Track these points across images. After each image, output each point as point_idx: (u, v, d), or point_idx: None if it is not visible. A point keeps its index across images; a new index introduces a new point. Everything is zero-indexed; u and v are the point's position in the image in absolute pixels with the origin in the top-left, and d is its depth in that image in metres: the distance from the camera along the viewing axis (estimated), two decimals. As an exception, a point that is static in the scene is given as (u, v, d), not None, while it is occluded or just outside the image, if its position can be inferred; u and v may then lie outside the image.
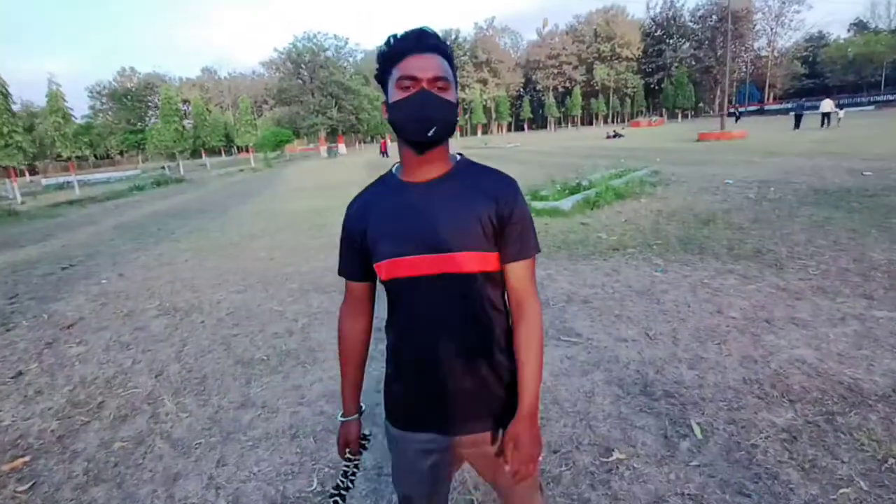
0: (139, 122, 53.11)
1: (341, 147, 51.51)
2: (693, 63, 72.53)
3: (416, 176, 1.12)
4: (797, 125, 26.38)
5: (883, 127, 22.40)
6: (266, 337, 4.01)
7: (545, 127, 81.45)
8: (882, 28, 64.59)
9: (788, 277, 4.42)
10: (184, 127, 37.47)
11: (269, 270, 6.09)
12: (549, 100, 76.72)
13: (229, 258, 6.92)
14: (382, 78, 1.10)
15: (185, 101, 70.86)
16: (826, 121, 25.59)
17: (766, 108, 57.24)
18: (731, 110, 47.83)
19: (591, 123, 79.47)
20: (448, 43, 1.11)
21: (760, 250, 5.26)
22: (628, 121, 69.29)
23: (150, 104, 59.47)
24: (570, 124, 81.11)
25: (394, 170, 1.19)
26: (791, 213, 6.84)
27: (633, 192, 9.42)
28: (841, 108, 27.42)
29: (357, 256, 1.18)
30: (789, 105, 48.39)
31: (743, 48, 71.53)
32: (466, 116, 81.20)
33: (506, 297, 1.16)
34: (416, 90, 1.03)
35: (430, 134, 1.04)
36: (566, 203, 8.26)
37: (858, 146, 14.61)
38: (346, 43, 53.88)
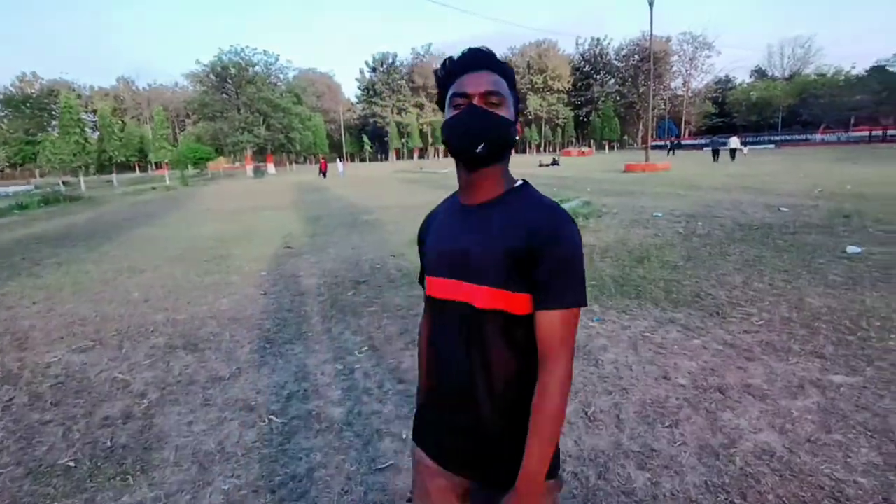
0: (39, 133, 48.02)
1: (270, 167, 49.27)
2: (618, 98, 76.84)
3: (468, 197, 1.08)
4: (716, 158, 28.94)
5: (784, 164, 24.10)
6: (90, 426, 2.97)
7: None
8: (778, 76, 71.69)
9: (733, 330, 3.97)
10: (86, 139, 33.99)
11: (135, 318, 4.97)
12: None
13: (91, 301, 5.68)
14: (441, 101, 1.07)
15: (93, 112, 65.67)
16: (733, 155, 28.41)
17: (683, 142, 61.24)
18: (668, 143, 50.79)
19: (524, 151, 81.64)
20: (505, 62, 1.05)
21: (699, 294, 4.84)
22: (559, 150, 71.86)
23: (53, 113, 54.24)
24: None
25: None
26: (722, 250, 6.62)
27: (565, 225, 9.03)
28: (745, 146, 30.68)
29: (422, 267, 1.18)
30: (703, 140, 51.84)
31: (662, 87, 76.66)
32: (403, 140, 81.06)
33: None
34: (466, 106, 1.00)
35: (478, 150, 0.99)
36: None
37: (768, 182, 15.34)
38: (277, 59, 51.94)
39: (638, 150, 51.81)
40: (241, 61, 47.96)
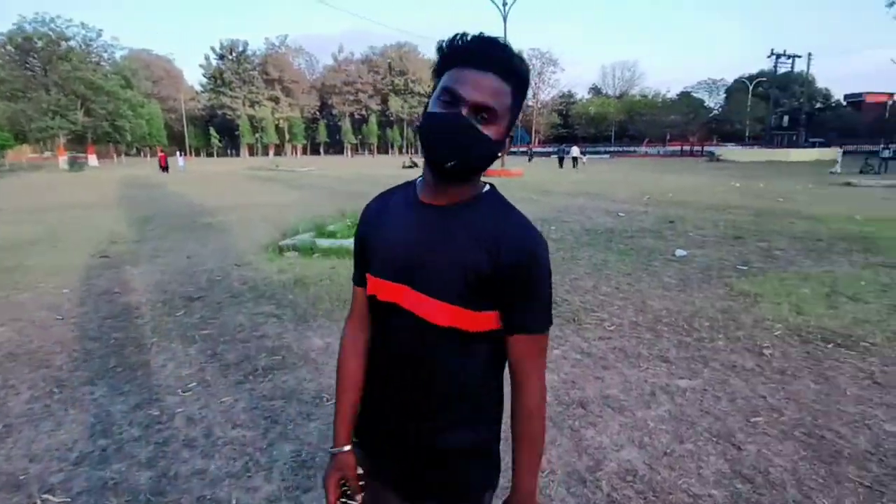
0: None
1: (92, 159, 42.33)
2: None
3: (430, 196, 0.96)
4: (561, 165, 33.25)
5: (617, 173, 27.21)
6: None
7: (342, 152, 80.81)
8: (611, 94, 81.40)
9: (589, 337, 4.04)
10: None
11: None
12: (346, 126, 76.53)
13: None
14: (437, 76, 0.92)
15: None
16: (574, 163, 32.07)
17: (534, 150, 66.39)
18: (528, 150, 54.42)
19: (387, 152, 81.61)
20: (521, 63, 0.89)
21: (556, 301, 4.92)
22: (421, 151, 73.10)
23: None
24: (367, 151, 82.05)
25: (418, 180, 1.02)
26: (573, 254, 6.95)
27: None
28: (584, 155, 34.46)
29: (360, 260, 1.07)
30: (551, 148, 56.57)
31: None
32: (257, 135, 75.71)
33: (494, 367, 1.00)
34: (453, 110, 0.85)
35: (447, 166, 0.88)
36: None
37: (606, 189, 17.03)
38: (100, 35, 44.76)
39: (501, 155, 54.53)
40: (49, 33, 40.41)
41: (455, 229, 0.92)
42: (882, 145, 28.15)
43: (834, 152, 38.04)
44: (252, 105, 76.56)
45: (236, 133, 76.17)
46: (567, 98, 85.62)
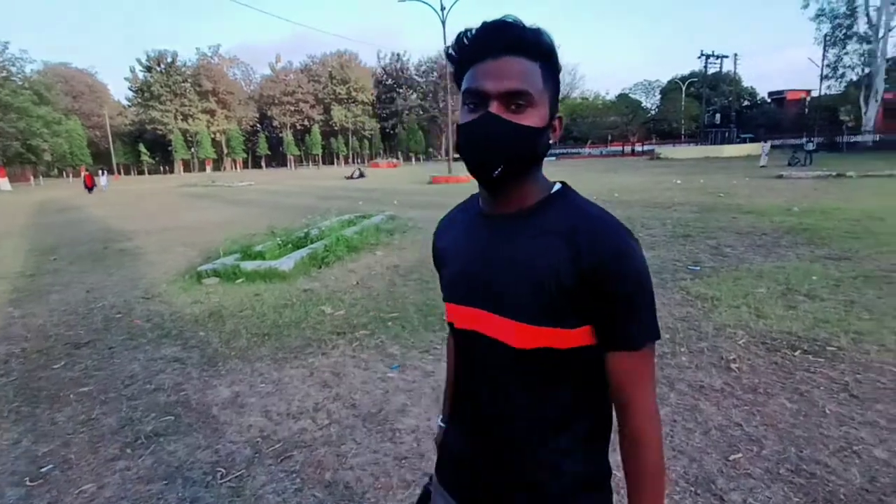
0: None
1: (3, 182, 38.80)
2: (421, 112, 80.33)
3: (491, 206, 0.86)
4: None
5: (565, 174, 27.30)
6: None
7: (285, 165, 78.23)
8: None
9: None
10: None
11: None
12: (288, 137, 74.03)
13: None
14: (458, 85, 0.82)
15: None
16: None
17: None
18: None
19: (332, 163, 79.68)
20: (541, 33, 0.78)
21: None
22: (368, 162, 72.02)
23: None
24: (310, 163, 79.66)
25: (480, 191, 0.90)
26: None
27: (369, 244, 8.30)
28: None
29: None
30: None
31: (460, 103, 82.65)
32: (192, 150, 72.26)
33: (597, 389, 0.83)
34: (480, 112, 0.76)
35: (495, 174, 0.77)
36: (287, 262, 6.54)
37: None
38: (6, 48, 41.23)
39: (443, 162, 54.52)
40: (-55, 43, 36.94)
41: (523, 238, 0.81)
42: (806, 139, 29.72)
43: (761, 146, 40.25)
44: (185, 118, 72.63)
45: (169, 148, 72.15)
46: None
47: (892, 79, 38.19)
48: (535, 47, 0.76)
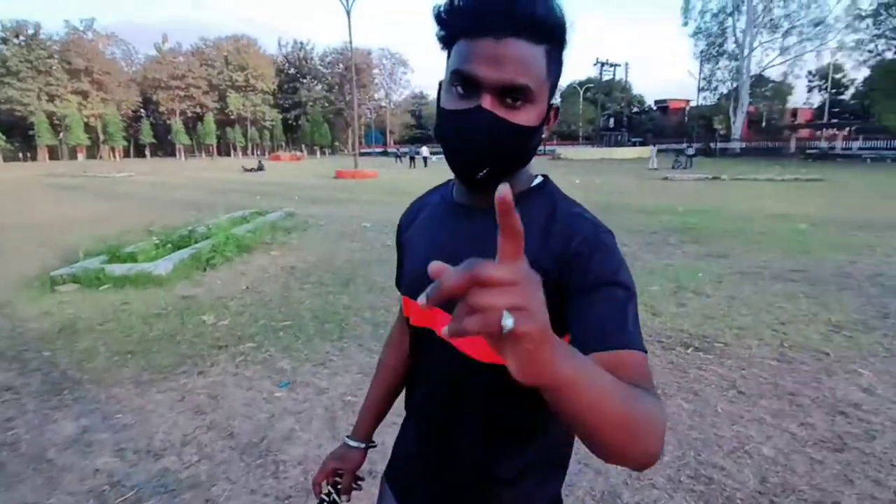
0: None
1: None
2: (327, 104, 77.70)
3: (467, 197, 0.79)
4: (412, 164, 33.99)
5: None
6: None
7: (174, 155, 71.73)
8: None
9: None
10: None
11: None
12: (177, 125, 67.78)
13: None
14: (446, 50, 0.70)
15: None
16: (425, 163, 34.54)
17: (389, 150, 66.15)
18: (397, 150, 52.73)
19: (229, 154, 74.32)
20: (552, 13, 0.64)
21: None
22: (268, 154, 68.25)
23: None
24: (204, 153, 73.73)
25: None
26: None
27: (263, 242, 7.66)
28: (434, 155, 36.53)
29: (398, 270, 0.94)
30: (405, 149, 56.28)
31: (367, 97, 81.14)
32: (60, 136, 63.85)
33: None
34: (471, 105, 0.65)
35: (479, 176, 0.70)
36: (164, 264, 5.78)
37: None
38: None
39: (350, 156, 52.95)
40: None
41: (494, 232, 0.56)
42: (687, 144, 32.74)
43: (650, 150, 43.71)
44: (51, 99, 63.67)
45: (31, 133, 63.05)
46: (420, 99, 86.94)
47: (755, 93, 43.36)
48: (545, 27, 0.64)
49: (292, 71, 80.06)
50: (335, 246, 7.53)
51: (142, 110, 73.77)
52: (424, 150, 35.94)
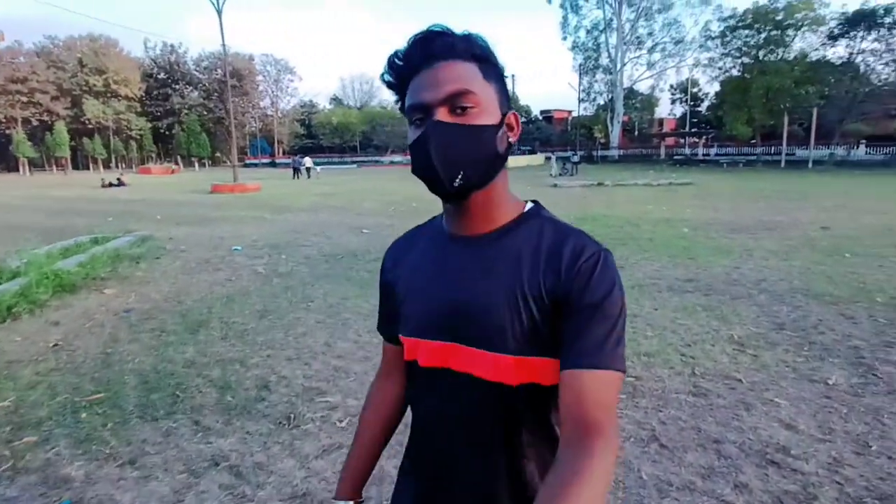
0: None
1: None
2: (205, 112, 71.68)
3: (459, 227, 0.80)
4: (296, 176, 32.97)
5: (365, 182, 26.88)
6: None
7: (17, 170, 61.55)
8: (352, 105, 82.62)
9: (307, 452, 2.58)
10: None
11: None
12: (19, 135, 58.04)
13: None
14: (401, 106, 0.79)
15: None
16: (308, 174, 33.48)
17: (277, 161, 62.73)
18: (292, 161, 49.22)
19: (88, 167, 65.39)
20: (471, 41, 0.74)
21: (268, 384, 3.34)
22: (136, 166, 61.27)
23: None
24: (55, 167, 64.30)
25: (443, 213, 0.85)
26: (305, 294, 5.45)
27: (96, 278, 6.23)
28: (318, 166, 35.95)
29: (388, 313, 0.91)
30: (288, 160, 53.49)
31: (251, 105, 76.34)
32: None
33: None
34: (416, 134, 0.73)
35: (455, 185, 0.72)
36: (-66, 320, 4.29)
37: (352, 200, 16.14)
38: None
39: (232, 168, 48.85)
40: None
41: (496, 261, 0.75)
42: (572, 152, 34.56)
43: (540, 158, 45.60)
44: None
45: None
46: (309, 108, 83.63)
47: (628, 105, 47.21)
48: (468, 51, 0.72)
49: (162, 76, 72.64)
50: (191, 278, 6.33)
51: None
52: (307, 161, 35.26)
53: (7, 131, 61.28)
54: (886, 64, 33.34)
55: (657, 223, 9.57)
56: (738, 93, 35.86)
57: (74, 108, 63.66)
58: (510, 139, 0.76)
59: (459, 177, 0.71)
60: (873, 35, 32.81)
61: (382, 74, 0.77)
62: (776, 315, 4.27)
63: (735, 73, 37.98)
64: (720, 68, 39.30)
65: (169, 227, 10.93)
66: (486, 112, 0.72)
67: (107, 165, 64.15)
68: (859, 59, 34.30)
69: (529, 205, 0.81)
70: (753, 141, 38.95)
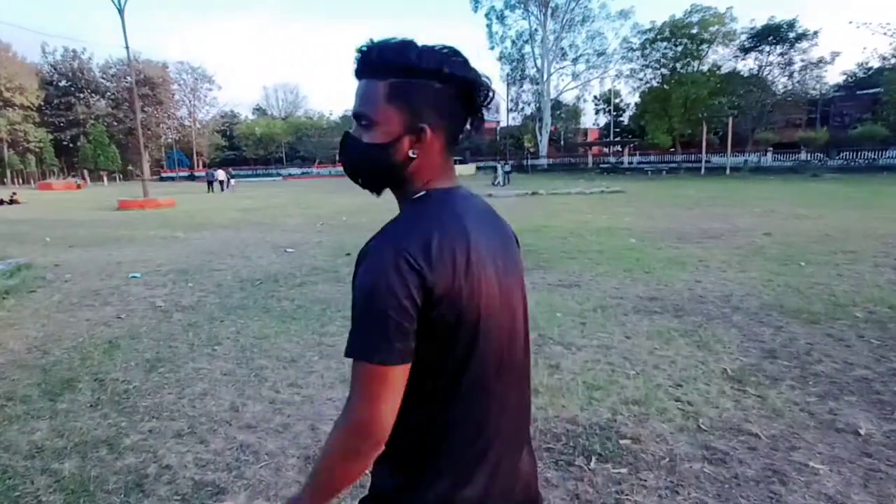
0: None
1: None
2: (114, 122, 66.01)
3: None
4: (210, 189, 31.50)
5: (290, 195, 25.36)
6: None
7: None
8: (276, 115, 79.37)
9: None
10: None
11: None
12: None
13: None
14: None
15: None
16: (222, 187, 31.82)
17: (196, 174, 58.91)
18: (207, 173, 46.11)
19: (-22, 184, 58.00)
20: (383, 54, 0.81)
21: (139, 478, 2.40)
22: (36, 182, 55.27)
23: None
24: (-62, 183, 56.55)
25: None
26: (212, 334, 4.45)
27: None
28: (233, 178, 34.48)
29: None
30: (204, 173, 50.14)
31: (166, 115, 71.44)
32: None
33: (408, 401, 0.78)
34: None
35: (359, 183, 0.90)
36: None
37: (276, 215, 14.91)
38: None
39: (150, 182, 44.88)
40: None
41: None
42: (502, 161, 34.63)
43: (472, 168, 45.58)
44: None
45: None
46: (230, 118, 79.40)
47: (553, 114, 48.28)
48: (382, 67, 0.80)
49: (64, 83, 66.20)
50: (69, 317, 5.11)
51: None
52: (220, 174, 33.30)
53: None
54: (790, 76, 36.28)
55: (600, 233, 9.26)
56: (658, 102, 37.67)
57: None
58: (411, 153, 0.81)
59: (359, 180, 0.89)
60: (779, 49, 35.61)
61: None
62: (760, 339, 3.83)
63: (655, 83, 39.92)
64: (641, 79, 41.21)
65: (58, 252, 9.34)
66: (379, 132, 0.81)
67: (1, 181, 57.28)
68: (766, 71, 37.14)
69: (421, 193, 0.85)
70: (672, 149, 41.05)
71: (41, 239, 11.43)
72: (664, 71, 38.43)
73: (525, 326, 0.89)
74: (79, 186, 47.07)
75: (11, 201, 24.95)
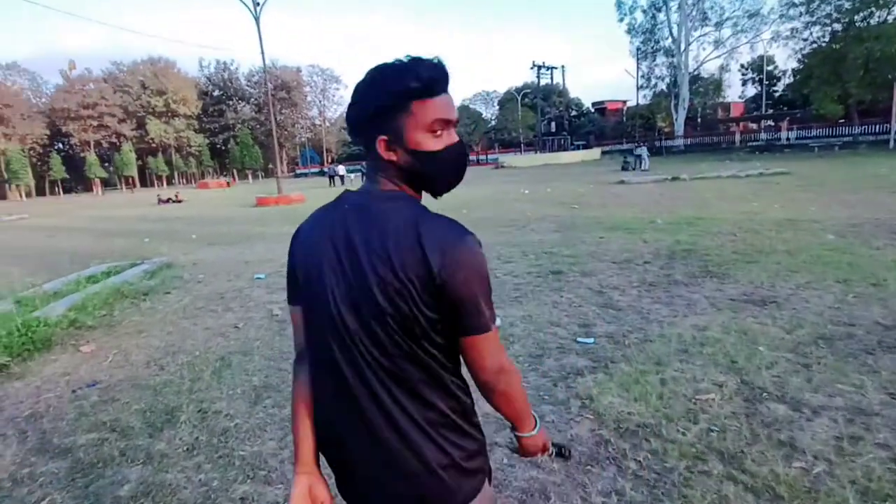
0: None
1: None
2: (257, 125, 73.21)
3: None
4: (332, 183, 33.02)
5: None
6: None
7: (90, 190, 65.08)
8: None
9: None
10: None
11: None
12: (91, 157, 61.39)
13: None
14: (385, 108, 0.88)
15: None
16: (342, 181, 33.22)
17: (324, 169, 62.94)
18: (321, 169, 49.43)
19: (152, 184, 68.15)
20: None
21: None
22: (196, 182, 63.17)
23: None
24: (124, 186, 67.23)
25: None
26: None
27: (82, 326, 5.03)
28: (352, 173, 35.85)
29: None
30: (325, 169, 52.76)
31: (300, 115, 77.46)
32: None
33: None
34: (453, 141, 0.92)
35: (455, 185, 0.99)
36: None
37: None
38: None
39: (285, 179, 48.89)
40: None
41: None
42: (637, 143, 31.61)
43: (596, 153, 42.62)
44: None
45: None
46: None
47: (691, 89, 43.03)
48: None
49: (217, 93, 74.86)
50: (192, 324, 4.98)
51: (58, 144, 66.61)
52: (340, 169, 36.09)
53: (82, 154, 64.91)
54: None
55: (780, 227, 7.43)
56: (827, 65, 31.67)
57: (139, 129, 66.67)
58: None
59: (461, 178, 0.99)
60: None
61: (409, 80, 0.86)
62: None
63: (823, 44, 33.67)
64: (805, 39, 34.87)
65: (200, 249, 9.88)
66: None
67: (170, 182, 66.76)
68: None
69: None
70: (843, 120, 34.51)
71: (188, 236, 12.35)
72: (836, 27, 32.15)
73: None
74: (228, 184, 52.78)
75: (176, 199, 28.34)
